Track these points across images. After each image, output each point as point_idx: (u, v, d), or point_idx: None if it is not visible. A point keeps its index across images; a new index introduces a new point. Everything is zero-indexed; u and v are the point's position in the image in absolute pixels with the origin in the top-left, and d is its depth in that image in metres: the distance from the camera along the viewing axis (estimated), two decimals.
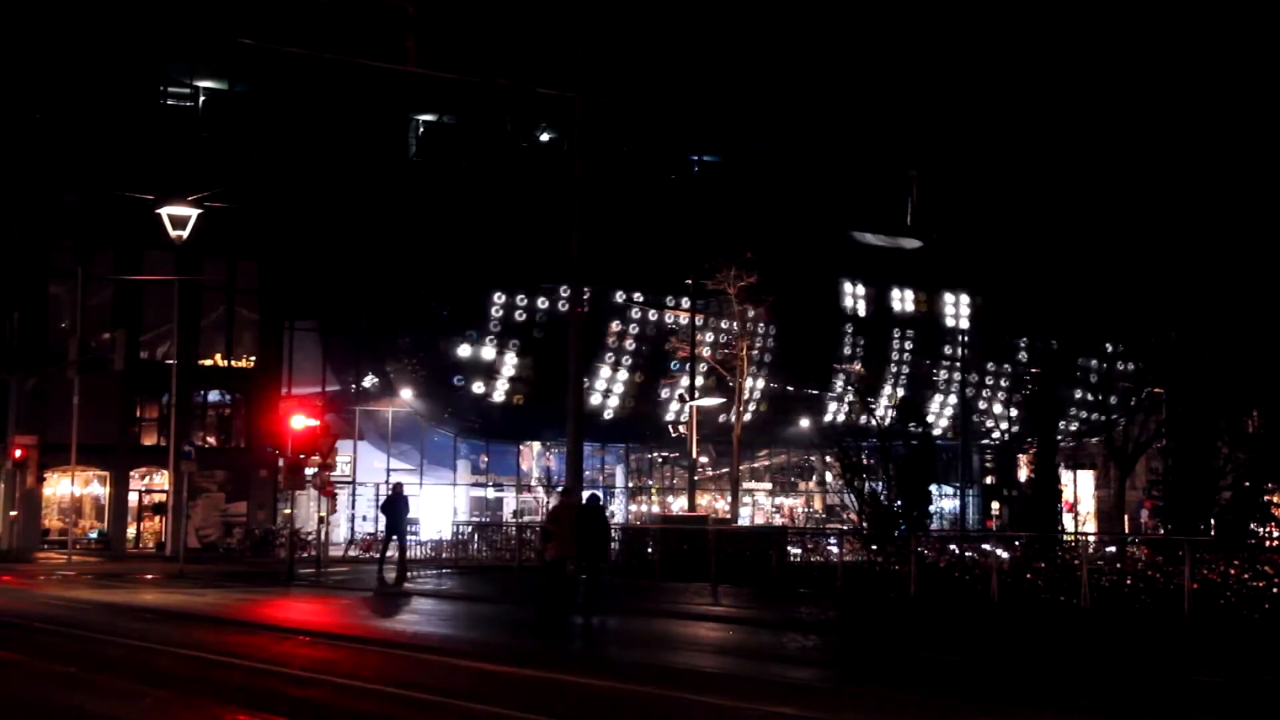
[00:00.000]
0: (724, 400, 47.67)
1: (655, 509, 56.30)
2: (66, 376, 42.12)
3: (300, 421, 33.59)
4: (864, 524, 35.44)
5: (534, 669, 16.35)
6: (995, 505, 61.67)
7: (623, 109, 53.15)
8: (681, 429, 48.52)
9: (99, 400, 44.50)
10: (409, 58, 52.73)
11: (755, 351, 52.03)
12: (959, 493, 61.09)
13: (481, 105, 53.59)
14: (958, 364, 61.05)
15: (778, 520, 57.40)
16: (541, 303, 51.41)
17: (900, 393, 58.21)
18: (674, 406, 52.21)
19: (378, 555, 44.62)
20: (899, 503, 35.74)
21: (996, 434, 62.70)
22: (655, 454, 58.52)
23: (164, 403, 47.35)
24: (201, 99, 50.47)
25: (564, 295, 50.15)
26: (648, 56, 53.88)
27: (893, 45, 59.37)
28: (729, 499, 50.41)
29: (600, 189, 42.01)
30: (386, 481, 52.51)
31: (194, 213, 37.91)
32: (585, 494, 29.40)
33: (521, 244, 50.60)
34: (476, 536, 42.05)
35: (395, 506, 31.26)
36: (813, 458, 60.56)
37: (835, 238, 59.28)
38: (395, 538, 31.43)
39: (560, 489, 28.24)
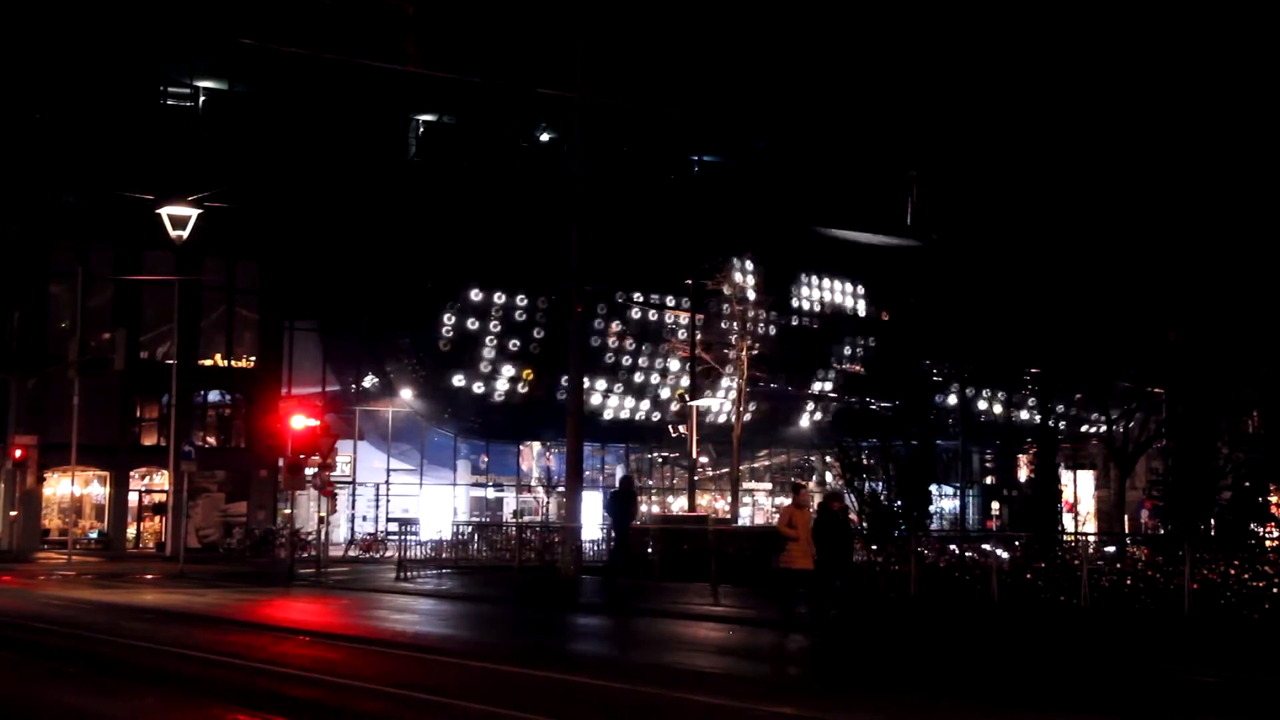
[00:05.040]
0: (724, 401, 47.64)
1: (655, 509, 56.28)
2: (66, 376, 42.11)
3: (300, 421, 33.60)
4: (864, 524, 35.41)
5: (532, 669, 16.34)
6: (995, 505, 61.62)
7: (623, 109, 53.07)
8: (681, 429, 48.52)
9: (99, 400, 44.52)
10: (409, 58, 52.62)
11: (755, 351, 52.03)
12: (959, 493, 61.08)
13: (481, 105, 53.56)
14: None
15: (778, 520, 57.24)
16: (541, 302, 51.39)
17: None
18: (674, 406, 52.19)
19: (376, 555, 44.86)
20: (899, 503, 35.69)
21: (996, 434, 62.62)
22: (655, 454, 58.48)
23: (164, 403, 47.35)
24: (201, 99, 50.47)
25: (564, 295, 50.16)
26: (648, 56, 53.86)
27: (892, 45, 59.36)
28: (729, 499, 50.40)
29: (600, 189, 42.00)
30: (386, 481, 52.57)
31: (194, 212, 37.94)
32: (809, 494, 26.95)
33: (521, 244, 50.62)
34: (476, 536, 42.02)
35: (620, 502, 30.52)
36: (813, 458, 60.52)
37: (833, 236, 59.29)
38: (615, 535, 30.56)
39: (794, 486, 25.84)
